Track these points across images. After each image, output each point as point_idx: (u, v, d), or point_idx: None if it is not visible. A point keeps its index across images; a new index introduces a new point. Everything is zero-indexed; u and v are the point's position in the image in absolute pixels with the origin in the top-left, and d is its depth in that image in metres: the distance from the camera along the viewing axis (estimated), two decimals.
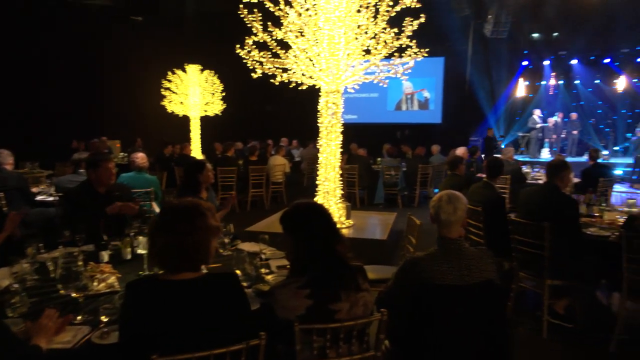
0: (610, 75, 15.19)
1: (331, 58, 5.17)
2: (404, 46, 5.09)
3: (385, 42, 5.06)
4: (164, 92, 10.86)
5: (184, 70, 10.95)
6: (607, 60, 14.91)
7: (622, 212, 4.23)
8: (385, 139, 12.22)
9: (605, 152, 13.50)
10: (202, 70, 11.03)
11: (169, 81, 10.85)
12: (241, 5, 4.97)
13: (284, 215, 1.91)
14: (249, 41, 5.09)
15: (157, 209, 4.71)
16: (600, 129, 15.20)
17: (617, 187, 7.71)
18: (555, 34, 14.10)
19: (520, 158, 12.33)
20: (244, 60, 5.18)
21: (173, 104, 10.92)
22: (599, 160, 7.29)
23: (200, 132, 11.27)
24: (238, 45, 5.17)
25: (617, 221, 3.94)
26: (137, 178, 5.04)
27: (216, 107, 11.12)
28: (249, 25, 5.08)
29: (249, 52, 5.13)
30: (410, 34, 5.02)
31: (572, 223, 3.56)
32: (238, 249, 3.05)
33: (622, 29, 12.82)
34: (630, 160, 12.26)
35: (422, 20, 4.97)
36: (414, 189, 8.79)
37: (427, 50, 5.16)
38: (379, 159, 9.94)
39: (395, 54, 5.20)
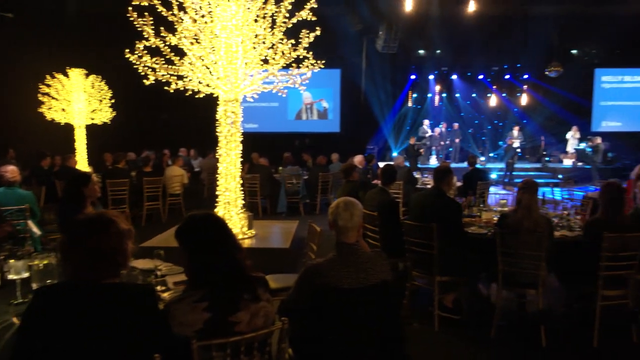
0: (484, 90, 17.09)
1: (229, 66, 5.10)
2: (301, 57, 5.20)
3: (283, 52, 5.13)
4: (42, 98, 9.77)
5: (65, 75, 9.97)
6: (480, 77, 16.73)
7: (496, 211, 4.74)
8: (286, 147, 12.33)
9: (482, 158, 15.10)
10: (87, 75, 10.14)
11: (48, 86, 9.79)
12: (130, 8, 4.69)
13: (178, 228, 1.84)
14: (140, 46, 4.82)
15: (34, 228, 4.22)
16: (478, 138, 16.94)
17: (493, 189, 8.64)
18: (438, 51, 15.45)
19: (409, 165, 13.24)
20: (135, 66, 4.89)
21: (53, 111, 9.86)
22: (477, 166, 8.13)
23: (86, 142, 10.33)
24: (128, 50, 4.87)
25: (492, 220, 4.41)
26: (8, 194, 4.47)
27: (104, 114, 10.29)
28: (139, 29, 4.81)
29: (140, 57, 4.86)
30: (307, 45, 5.15)
31: (456, 223, 3.91)
32: (130, 266, 2.84)
33: (492, 50, 14.50)
34: (502, 165, 13.87)
35: (318, 33, 5.13)
36: (316, 197, 8.97)
37: (323, 62, 5.32)
38: (280, 167, 9.98)
39: (293, 64, 5.30)
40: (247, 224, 5.60)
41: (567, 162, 14.75)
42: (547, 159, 15.34)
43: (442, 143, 15.25)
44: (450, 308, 3.95)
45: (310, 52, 5.18)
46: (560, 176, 12.95)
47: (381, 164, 6.51)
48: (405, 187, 7.05)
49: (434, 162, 14.80)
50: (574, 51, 15.52)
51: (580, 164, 14.29)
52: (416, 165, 12.77)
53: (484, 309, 4.05)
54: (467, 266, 3.86)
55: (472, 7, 9.99)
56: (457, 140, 15.11)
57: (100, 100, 10.23)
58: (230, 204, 5.42)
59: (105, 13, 10.48)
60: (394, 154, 15.24)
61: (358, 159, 8.29)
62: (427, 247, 3.72)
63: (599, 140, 13.22)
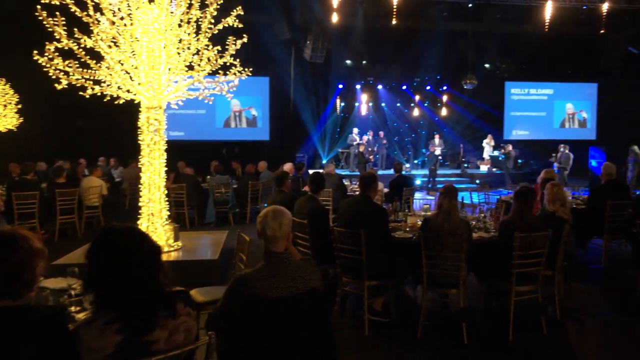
0: (408, 100, 17.93)
1: (151, 72, 4.90)
2: (228, 64, 5.14)
3: (208, 59, 5.03)
4: None
5: None
6: (404, 87, 17.53)
7: (421, 216, 4.97)
8: (215, 156, 12.06)
9: (407, 165, 15.75)
10: None
11: None
12: (39, 7, 4.35)
13: (91, 242, 1.70)
14: (50, 47, 4.49)
15: None
16: (403, 145, 17.69)
17: (417, 195, 9.05)
18: (364, 62, 15.98)
19: (340, 172, 13.50)
20: (45, 69, 4.54)
21: None
22: (403, 173, 8.48)
23: None
24: (36, 52, 4.50)
25: (417, 224, 4.60)
26: None
27: (9, 120, 9.43)
28: (50, 29, 4.48)
29: (51, 59, 4.51)
30: (234, 52, 5.10)
31: (383, 229, 4.03)
32: (39, 287, 2.61)
33: (414, 62, 15.27)
34: (425, 172, 14.58)
35: (245, 40, 5.09)
36: (245, 206, 8.85)
37: (251, 69, 5.29)
38: (208, 176, 9.74)
39: (220, 71, 5.22)
40: (173, 236, 5.40)
41: (483, 168, 15.86)
42: (465, 165, 16.37)
43: (370, 150, 15.71)
44: (380, 311, 4.06)
45: (238, 60, 5.14)
46: (477, 181, 13.88)
47: (312, 172, 6.61)
48: (335, 194, 7.17)
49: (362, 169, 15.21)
50: (487, 65, 16.77)
51: (494, 169, 15.43)
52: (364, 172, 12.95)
53: (410, 310, 4.20)
54: (395, 270, 3.99)
55: (394, 21, 10.45)
56: (383, 148, 15.67)
57: (5, 105, 9.36)
58: (154, 216, 5.19)
59: (12, 11, 9.63)
60: (324, 162, 15.48)
61: (288, 167, 8.31)
62: (356, 253, 3.80)
63: (510, 147, 14.37)
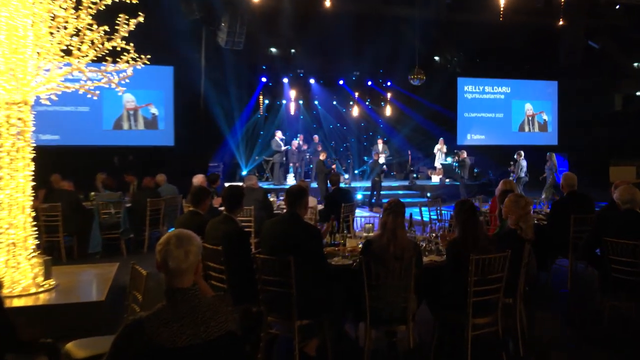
0: (346, 97, 18.39)
1: (13, 57, 4.66)
2: (118, 49, 5.04)
3: (92, 42, 4.89)
4: None
5: None
6: (341, 82, 17.99)
7: (363, 238, 5.07)
8: (102, 166, 11.56)
9: (346, 176, 16.11)
10: None
11: None
12: None
13: None
14: None
15: None
16: (341, 152, 18.07)
17: (359, 212, 9.24)
18: (293, 50, 16.19)
19: (265, 185, 13.50)
20: None
21: None
22: (341, 185, 8.64)
23: None
24: None
25: (357, 248, 4.69)
26: None
27: None
28: None
29: None
30: (127, 34, 5.00)
31: (316, 254, 4.07)
32: None
33: (353, 52, 15.70)
34: (368, 184, 14.93)
35: (141, 19, 5.01)
36: (143, 230, 8.56)
37: (149, 56, 5.20)
38: (92, 193, 9.33)
39: (108, 58, 5.11)
40: (43, 272, 5.16)
41: (435, 179, 16.61)
42: (415, 175, 17.05)
43: (307, 157, 15.87)
44: (314, 357, 4.08)
45: (131, 44, 5.06)
46: (428, 194, 14.48)
47: (228, 185, 6.53)
48: (258, 213, 7.13)
49: (291, 181, 15.30)
50: (436, 58, 17.68)
51: (447, 180, 16.20)
52: (326, 186, 12.86)
53: (352, 353, 4.25)
54: (331, 305, 4.04)
55: (328, 3, 10.71)
56: (321, 156, 15.86)
57: None
58: (16, 246, 4.94)
59: None
60: (244, 173, 15.40)
61: (198, 180, 8.15)
62: (284, 286, 3.79)
63: (464, 154, 15.17)
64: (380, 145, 15.92)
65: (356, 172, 17.38)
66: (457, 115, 18.62)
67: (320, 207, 7.92)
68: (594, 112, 17.40)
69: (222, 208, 4.95)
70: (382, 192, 13.80)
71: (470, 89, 18.92)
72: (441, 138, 17.02)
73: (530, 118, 19.35)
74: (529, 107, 19.33)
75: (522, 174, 13.84)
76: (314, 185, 14.18)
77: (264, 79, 17.03)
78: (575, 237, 5.92)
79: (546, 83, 19.17)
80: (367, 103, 18.62)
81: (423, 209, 8.06)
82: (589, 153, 16.66)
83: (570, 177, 6.44)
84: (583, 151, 16.63)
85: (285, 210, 4.36)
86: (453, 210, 4.28)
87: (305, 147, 16.08)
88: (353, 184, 15.45)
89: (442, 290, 4.11)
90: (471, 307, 3.83)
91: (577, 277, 6.36)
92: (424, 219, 7.81)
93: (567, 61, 16.11)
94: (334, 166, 14.56)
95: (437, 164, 16.82)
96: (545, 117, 19.39)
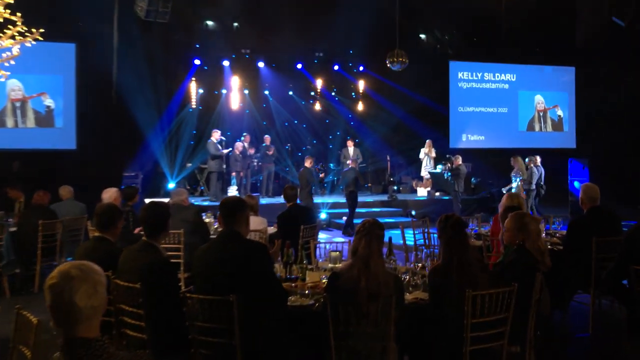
0: (306, 86, 18.40)
1: None
2: (0, 20, 4.97)
3: None
4: None
5: None
6: (299, 66, 17.99)
7: (327, 270, 5.06)
8: None
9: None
10: None
11: None
12: None
13: None
14: None
15: None
16: (299, 157, 17.98)
17: (323, 236, 9.25)
18: (236, 24, 16.16)
19: (199, 202, 13.37)
20: None
21: None
22: (299, 202, 8.64)
23: None
24: None
25: (321, 284, 4.68)
26: None
27: None
28: None
29: None
30: (12, 2, 4.94)
31: (267, 286, 4.03)
32: None
33: (313, 29, 15.74)
34: (336, 199, 14.91)
35: None
36: (33, 263, 8.38)
37: (41, 30, 5.14)
38: None
39: None
40: None
41: (422, 192, 16.81)
42: (395, 188, 17.20)
43: (246, 168, 15.79)
44: None
45: (19, 14, 4.98)
46: (413, 212, 14.62)
47: (149, 202, 6.42)
48: (190, 239, 7.05)
49: (234, 194, 15.21)
50: (422, 36, 17.92)
51: (438, 193, 16.40)
52: (312, 200, 12.87)
53: None
54: (287, 358, 4.01)
55: None
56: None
57: None
58: None
59: None
60: (171, 186, 15.22)
61: (110, 196, 8.03)
62: (225, 335, 3.75)
63: (459, 160, 15.38)
64: (350, 148, 15.97)
65: (319, 183, 17.36)
66: (449, 110, 18.85)
67: (271, 229, 7.89)
68: (620, 106, 17.78)
69: (142, 232, 4.87)
70: (356, 210, 13.81)
71: (465, 77, 19.20)
72: (428, 140, 17.22)
73: (541, 114, 19.80)
74: (539, 100, 19.78)
75: (533, 186, 13.98)
76: (266, 200, 14.13)
77: (197, 62, 16.92)
78: (599, 266, 5.98)
79: (561, 69, 19.65)
80: (333, 94, 18.71)
81: (406, 231, 8.13)
82: (614, 158, 17.05)
83: (592, 190, 6.52)
84: (607, 156, 17.00)
85: (220, 230, 4.34)
86: (437, 226, 4.32)
87: (252, 151, 16.01)
88: (316, 200, 15.40)
89: (425, 335, 4.14)
90: (467, 358, 3.86)
91: (601, 316, 6.46)
92: (408, 243, 7.87)
93: (587, 42, 16.48)
94: (322, 175, 14.54)
95: (424, 172, 17.02)
96: (559, 112, 19.86)
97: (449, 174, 15.68)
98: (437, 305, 3.99)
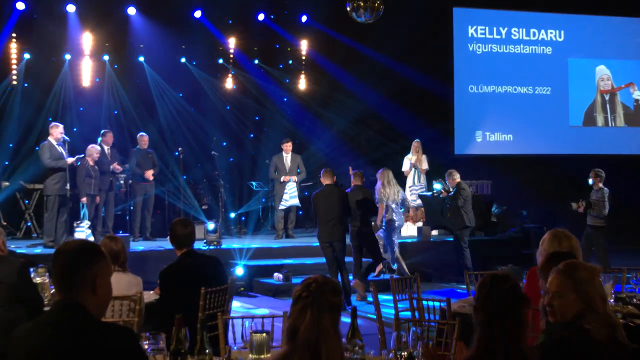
0: (210, 49, 18.42)
1: None
2: None
3: None
4: None
5: None
6: (198, 14, 17.97)
7: None
8: None
9: (209, 225, 16.07)
10: None
11: None
12: None
13: None
14: None
15: None
16: (198, 168, 17.98)
17: (238, 305, 9.24)
18: None
19: (23, 249, 13.27)
20: None
21: None
22: (205, 247, 8.63)
23: None
24: None
25: None
26: None
27: None
28: None
29: None
30: None
31: None
32: None
33: None
34: (265, 241, 14.94)
35: None
36: None
37: None
38: None
39: None
40: None
41: (410, 230, 16.81)
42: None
43: (123, 181, 15.70)
44: None
45: None
46: (394, 266, 14.64)
47: None
48: (7, 312, 7.02)
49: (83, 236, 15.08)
50: None
51: (435, 232, 16.49)
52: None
53: None
54: None
55: None
56: (146, 182, 15.75)
57: None
58: None
59: None
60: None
61: None
62: None
63: (457, 177, 15.21)
64: (287, 156, 15.96)
65: (232, 215, 17.37)
66: (453, 92, 19.06)
67: (150, 295, 7.88)
68: None
69: None
70: (288, 261, 13.93)
71: (480, 34, 19.38)
72: (417, 140, 17.02)
73: (608, 97, 20.03)
74: (604, 75, 20.01)
75: (603, 220, 14.03)
76: (143, 246, 14.05)
77: (21, 5, 16.80)
78: None
79: (637, 22, 20.03)
80: (256, 62, 18.76)
81: (382, 296, 8.19)
82: None
83: None
84: None
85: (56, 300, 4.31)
86: (475, 293, 4.26)
87: (117, 165, 15.83)
88: (226, 245, 15.30)
89: None
90: None
91: None
92: (385, 317, 7.93)
93: None
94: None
95: (411, 196, 17.03)
96: (637, 94, 20.00)
97: (447, 198, 15.33)
98: None
